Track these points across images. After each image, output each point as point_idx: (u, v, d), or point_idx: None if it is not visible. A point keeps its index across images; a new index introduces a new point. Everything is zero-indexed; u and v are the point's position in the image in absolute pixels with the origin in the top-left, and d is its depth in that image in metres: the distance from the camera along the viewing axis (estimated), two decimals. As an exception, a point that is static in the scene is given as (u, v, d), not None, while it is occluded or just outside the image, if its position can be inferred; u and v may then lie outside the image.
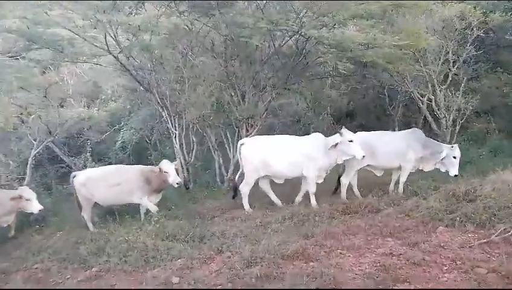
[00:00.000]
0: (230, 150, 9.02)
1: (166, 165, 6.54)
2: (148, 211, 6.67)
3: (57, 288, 4.68)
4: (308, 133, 11.05)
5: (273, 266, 4.29)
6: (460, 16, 8.64)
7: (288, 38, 8.51)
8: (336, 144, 6.32)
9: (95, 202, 6.74)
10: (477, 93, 8.78)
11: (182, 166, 8.46)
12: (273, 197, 6.86)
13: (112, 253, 5.09)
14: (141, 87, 9.37)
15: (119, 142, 11.29)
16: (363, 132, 7.04)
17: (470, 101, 8.59)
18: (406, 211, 5.43)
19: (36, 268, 5.22)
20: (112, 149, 11.34)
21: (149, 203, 6.64)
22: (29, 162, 8.78)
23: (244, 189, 6.73)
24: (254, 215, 6.21)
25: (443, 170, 6.57)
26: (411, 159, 6.62)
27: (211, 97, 8.60)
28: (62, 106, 10.79)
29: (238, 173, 7.05)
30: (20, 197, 6.28)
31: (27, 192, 6.38)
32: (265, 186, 6.91)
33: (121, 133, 11.41)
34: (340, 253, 4.51)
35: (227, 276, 4.28)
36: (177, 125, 8.87)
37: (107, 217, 6.61)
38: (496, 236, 4.37)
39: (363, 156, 6.24)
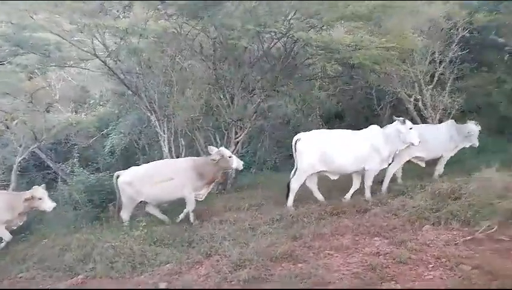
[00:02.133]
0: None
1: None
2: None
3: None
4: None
5: (261, 268, 4.29)
6: (446, 16, 8.76)
7: (277, 40, 8.54)
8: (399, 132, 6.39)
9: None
10: (462, 93, 8.87)
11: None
12: (318, 194, 6.68)
13: (99, 259, 5.03)
14: (129, 91, 9.30)
15: (108, 147, 11.22)
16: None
17: (455, 100, 8.69)
18: (393, 211, 5.47)
19: (21, 277, 5.15)
20: (100, 154, 11.26)
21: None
22: (14, 169, 8.68)
23: (294, 185, 6.52)
24: (243, 218, 6.19)
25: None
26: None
27: (200, 100, 8.59)
28: (48, 111, 10.70)
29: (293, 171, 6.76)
30: (33, 197, 6.32)
31: (39, 191, 6.41)
32: (312, 183, 6.73)
33: (110, 137, 11.34)
34: (328, 253, 4.53)
35: (216, 280, 4.27)
36: (165, 128, 8.82)
37: (94, 223, 6.54)
38: (479, 233, 4.44)
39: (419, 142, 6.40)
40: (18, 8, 7.49)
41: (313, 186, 6.72)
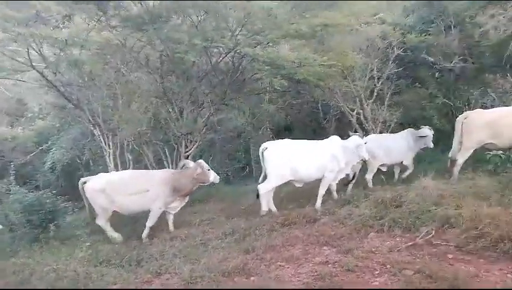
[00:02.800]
0: (169, 167, 8.80)
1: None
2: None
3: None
4: (249, 147, 11.36)
5: (213, 284, 4.23)
6: (382, 36, 9.41)
7: (225, 55, 8.63)
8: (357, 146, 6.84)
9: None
10: (399, 107, 9.53)
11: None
12: (272, 205, 6.75)
13: (38, 284, 4.68)
14: (70, 104, 8.87)
15: (48, 162, 10.58)
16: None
17: (394, 113, 9.31)
18: (340, 219, 5.68)
19: None
20: (40, 171, 10.56)
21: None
22: None
23: (262, 191, 6.52)
24: (194, 234, 6.09)
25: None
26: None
27: (147, 113, 8.42)
28: (-21, 126, 9.85)
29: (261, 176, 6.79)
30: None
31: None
32: (268, 194, 6.73)
33: (50, 153, 10.69)
34: (280, 265, 4.58)
35: (166, 299, 4.14)
36: (110, 143, 8.50)
37: (33, 245, 6.08)
38: (420, 239, 4.73)
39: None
40: None
41: (268, 196, 6.78)
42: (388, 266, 4.20)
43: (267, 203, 6.66)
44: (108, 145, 8.48)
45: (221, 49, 8.32)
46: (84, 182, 6.42)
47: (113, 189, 6.24)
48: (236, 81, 9.12)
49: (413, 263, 4.20)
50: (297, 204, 6.83)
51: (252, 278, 4.34)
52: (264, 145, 6.73)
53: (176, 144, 8.84)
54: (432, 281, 3.78)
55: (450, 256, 4.32)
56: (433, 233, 4.81)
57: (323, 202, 6.75)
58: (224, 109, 10.52)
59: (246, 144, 11.69)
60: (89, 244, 5.61)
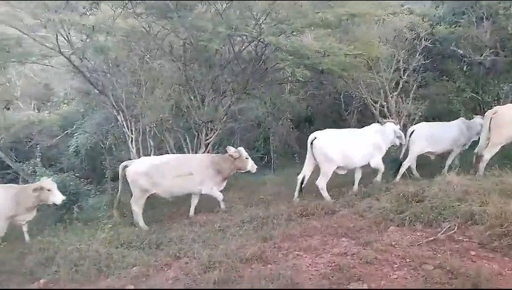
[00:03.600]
0: (190, 154, 8.90)
1: None
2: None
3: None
4: (268, 137, 11.37)
5: (231, 270, 4.27)
6: (410, 26, 9.15)
7: (248, 44, 8.59)
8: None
9: None
10: (425, 100, 9.29)
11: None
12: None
13: (62, 263, 4.85)
14: (95, 90, 9.04)
15: (73, 146, 10.85)
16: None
17: (419, 107, 9.08)
18: (360, 212, 5.61)
19: (-21, 282, 4.87)
20: (64, 154, 10.85)
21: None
22: (-30, 168, 8.21)
23: (322, 184, 6.68)
24: (213, 220, 6.16)
25: None
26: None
27: (169, 101, 8.48)
28: (8, 109, 10.19)
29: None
30: (42, 188, 6.10)
31: (48, 182, 6.19)
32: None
33: (74, 137, 10.96)
34: (297, 254, 4.57)
35: (184, 282, 4.22)
36: (133, 129, 8.64)
37: (57, 225, 6.29)
38: (441, 234, 4.63)
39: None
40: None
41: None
42: (408, 260, 4.14)
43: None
44: (131, 131, 8.63)
45: (244, 37, 8.28)
46: (125, 166, 6.59)
47: (157, 172, 6.43)
48: (258, 71, 9.07)
49: (433, 258, 4.12)
50: (315, 196, 6.79)
51: (269, 265, 4.36)
52: (312, 135, 6.83)
53: (197, 132, 8.90)
54: (452, 277, 3.70)
55: (473, 253, 4.21)
56: (456, 229, 4.68)
57: (342, 195, 6.71)
58: (245, 98, 10.50)
59: (265, 134, 11.67)
60: (110, 226, 5.76)
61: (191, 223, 6.13)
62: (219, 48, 8.25)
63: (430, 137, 7.49)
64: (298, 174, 6.98)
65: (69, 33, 7.83)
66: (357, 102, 10.77)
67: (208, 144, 8.75)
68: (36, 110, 12.08)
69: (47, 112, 12.17)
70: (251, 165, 6.99)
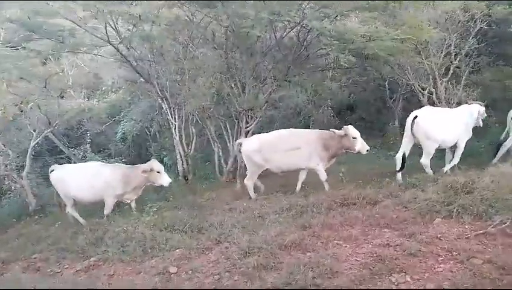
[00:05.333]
0: (229, 141, 9.01)
1: None
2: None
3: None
4: (308, 125, 11.21)
5: (270, 256, 4.30)
6: (464, 8, 8.57)
7: (290, 30, 8.46)
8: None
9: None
10: (478, 87, 8.74)
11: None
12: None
13: (110, 243, 5.13)
14: (141, 79, 9.35)
15: (120, 133, 11.34)
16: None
17: (470, 94, 8.56)
18: (404, 203, 5.40)
19: (35, 258, 5.28)
20: (112, 140, 11.37)
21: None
22: (28, 153, 8.81)
23: (426, 162, 6.69)
24: (252, 207, 6.22)
25: None
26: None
27: (211, 88, 8.59)
28: (62, 97, 10.80)
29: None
30: (151, 169, 6.44)
31: (157, 164, 6.55)
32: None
33: (121, 124, 11.45)
34: (337, 243, 4.51)
35: (225, 266, 4.30)
36: (176, 116, 8.88)
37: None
38: (492, 227, 4.36)
39: None
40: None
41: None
42: (454, 253, 3.95)
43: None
44: (175, 118, 8.87)
45: (286, 23, 8.15)
46: (240, 143, 7.02)
47: (268, 148, 6.70)
48: (300, 57, 8.92)
49: (483, 252, 3.91)
50: (356, 185, 6.63)
51: (308, 253, 4.34)
52: (413, 113, 6.73)
53: (237, 119, 8.97)
54: (504, 273, 3.49)
55: (528, 248, 3.96)
56: (508, 223, 4.39)
57: (386, 185, 6.50)
58: (286, 86, 10.39)
59: (305, 122, 11.53)
60: (155, 209, 5.97)
61: (231, 209, 6.22)
62: (261, 34, 8.19)
63: None
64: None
65: (117, 23, 8.12)
66: (403, 89, 10.34)
67: (248, 131, 8.79)
68: (86, 99, 12.71)
69: (96, 100, 12.77)
70: (361, 146, 6.66)
